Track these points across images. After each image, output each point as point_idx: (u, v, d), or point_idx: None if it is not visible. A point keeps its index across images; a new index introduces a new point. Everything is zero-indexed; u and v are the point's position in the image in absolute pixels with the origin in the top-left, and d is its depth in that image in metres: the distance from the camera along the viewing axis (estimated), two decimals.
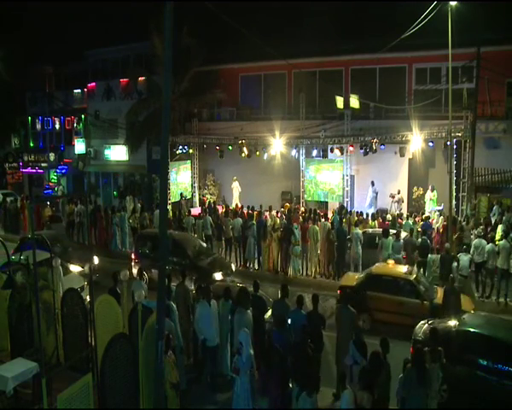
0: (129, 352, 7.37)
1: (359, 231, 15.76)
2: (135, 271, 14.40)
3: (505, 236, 13.97)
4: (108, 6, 25.69)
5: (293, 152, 21.37)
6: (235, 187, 23.67)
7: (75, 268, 14.15)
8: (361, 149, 18.92)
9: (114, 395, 7.20)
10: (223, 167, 24.33)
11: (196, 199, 25.13)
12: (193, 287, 12.40)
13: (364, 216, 17.91)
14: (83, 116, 30.07)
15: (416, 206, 20.59)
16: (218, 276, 14.03)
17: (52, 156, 31.87)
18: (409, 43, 17.56)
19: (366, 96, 21.04)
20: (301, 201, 21.94)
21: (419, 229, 16.24)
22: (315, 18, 21.72)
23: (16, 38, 29.26)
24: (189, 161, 24.83)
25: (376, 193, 20.25)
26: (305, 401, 7.03)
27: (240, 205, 21.87)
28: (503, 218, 16.01)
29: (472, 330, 8.81)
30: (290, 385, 8.02)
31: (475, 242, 13.97)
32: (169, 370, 7.54)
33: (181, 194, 23.92)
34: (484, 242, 13.78)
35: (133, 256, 15.97)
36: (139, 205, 22.10)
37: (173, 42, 6.80)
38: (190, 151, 24.04)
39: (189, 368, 9.82)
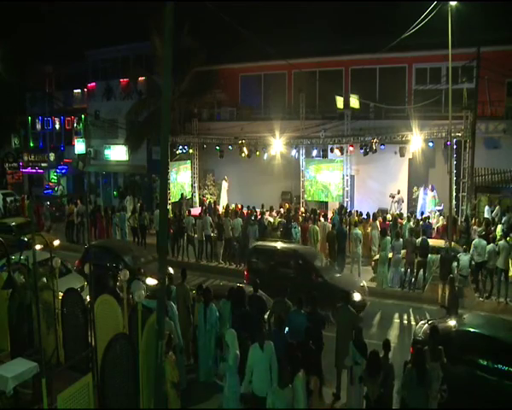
0: (129, 352, 7.36)
1: (359, 231, 15.78)
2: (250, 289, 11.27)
3: (505, 236, 13.97)
4: (108, 6, 25.69)
5: (293, 152, 21.37)
6: (224, 187, 23.72)
7: (151, 281, 12.55)
8: (361, 149, 18.91)
9: (114, 395, 7.19)
10: (223, 167, 24.33)
11: (196, 199, 25.14)
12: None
13: (365, 216, 17.92)
14: (83, 116, 30.09)
15: (415, 206, 20.59)
16: (356, 296, 12.08)
17: (52, 156, 31.90)
18: (409, 43, 17.56)
19: (366, 96, 21.03)
20: (301, 201, 21.94)
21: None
22: (315, 18, 21.73)
23: (16, 37, 29.26)
24: (189, 161, 24.83)
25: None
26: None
27: (239, 206, 21.87)
28: (504, 218, 16.01)
29: (472, 330, 8.80)
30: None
31: (475, 241, 13.97)
32: (170, 370, 7.54)
33: (181, 194, 23.97)
34: (484, 242, 13.78)
35: (245, 273, 13.91)
36: (143, 204, 22.07)
37: (173, 42, 6.80)
38: (190, 151, 24.04)
39: (189, 368, 9.83)
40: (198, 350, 9.71)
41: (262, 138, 21.15)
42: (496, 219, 16.54)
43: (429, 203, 19.33)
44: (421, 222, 16.74)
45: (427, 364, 7.32)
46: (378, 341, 8.46)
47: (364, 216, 17.91)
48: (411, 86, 21.59)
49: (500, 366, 8.15)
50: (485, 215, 17.14)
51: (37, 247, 17.08)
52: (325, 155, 20.44)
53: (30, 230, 18.63)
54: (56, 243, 18.54)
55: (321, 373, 8.24)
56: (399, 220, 17.04)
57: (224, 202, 23.30)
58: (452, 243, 14.34)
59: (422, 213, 18.55)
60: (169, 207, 21.50)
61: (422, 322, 10.06)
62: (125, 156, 27.18)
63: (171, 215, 19.47)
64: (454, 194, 17.91)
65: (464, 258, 13.38)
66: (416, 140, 17.99)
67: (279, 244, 14.37)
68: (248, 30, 13.34)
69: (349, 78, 22.88)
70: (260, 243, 15.09)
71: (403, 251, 14.63)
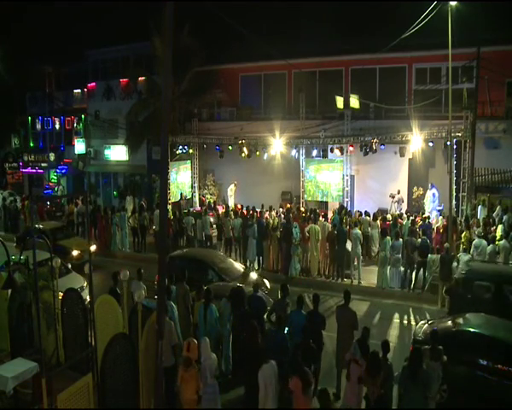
0: (129, 352, 7.37)
1: (359, 230, 15.78)
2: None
3: (505, 236, 13.95)
4: (109, 6, 25.71)
5: (293, 152, 21.36)
6: (232, 190, 23.60)
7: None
8: (361, 149, 18.89)
9: (114, 395, 7.18)
10: (223, 167, 24.33)
11: (196, 199, 25.15)
12: None
13: (364, 216, 17.89)
14: (83, 116, 30.11)
15: (416, 206, 20.60)
16: None
17: (52, 156, 31.91)
18: (409, 43, 17.57)
19: (366, 96, 21.03)
20: (301, 201, 21.94)
21: (417, 228, 16.26)
22: (315, 18, 21.74)
23: (16, 37, 29.27)
24: (189, 161, 24.83)
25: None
26: None
27: (239, 206, 21.88)
28: (504, 217, 16.01)
29: (472, 330, 8.81)
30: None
31: (475, 242, 13.95)
32: (186, 386, 7.52)
33: (181, 194, 23.97)
34: (484, 242, 13.76)
35: (449, 301, 11.61)
36: (143, 204, 22.02)
37: (173, 42, 6.80)
38: (190, 151, 24.03)
39: None
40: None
41: (262, 138, 21.15)
42: (496, 219, 16.53)
43: (429, 203, 19.32)
44: (420, 222, 16.76)
45: (425, 363, 7.32)
46: (378, 341, 8.47)
47: (364, 216, 17.87)
48: (411, 86, 21.60)
49: (500, 365, 8.15)
50: (478, 215, 17.17)
51: (75, 252, 16.60)
52: (325, 155, 20.45)
53: (64, 235, 17.95)
54: (93, 248, 17.51)
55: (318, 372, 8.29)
56: (399, 220, 17.03)
57: (231, 203, 23.08)
58: (447, 244, 14.31)
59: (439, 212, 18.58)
60: (169, 207, 21.51)
61: (422, 322, 10.06)
62: (125, 156, 27.19)
63: (170, 215, 19.48)
64: (454, 194, 17.91)
65: (464, 258, 13.37)
66: (416, 140, 17.98)
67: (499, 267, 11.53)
68: (248, 30, 13.34)
69: (349, 78, 22.88)
70: (480, 265, 11.99)
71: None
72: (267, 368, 7.34)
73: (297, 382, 6.81)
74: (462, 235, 15.07)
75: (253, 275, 13.88)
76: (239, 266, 14.22)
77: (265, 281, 13.10)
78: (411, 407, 7.04)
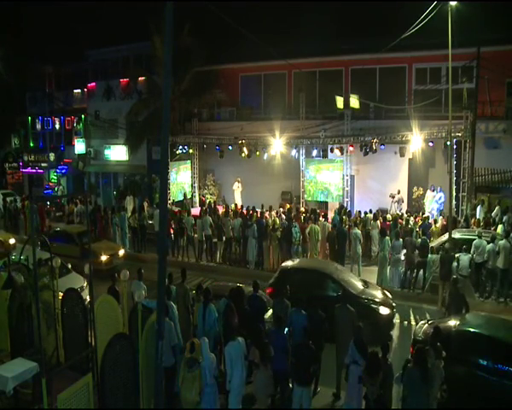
0: (129, 352, 7.36)
1: (359, 230, 15.78)
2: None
3: (506, 236, 13.96)
4: (108, 6, 25.72)
5: (293, 152, 21.37)
6: (238, 188, 23.57)
7: (384, 310, 10.87)
8: (361, 149, 18.91)
9: (114, 395, 7.18)
10: (223, 167, 24.33)
11: (196, 199, 25.16)
12: None
13: (362, 215, 17.90)
14: (83, 116, 30.10)
15: (416, 206, 20.59)
16: None
17: (52, 156, 31.91)
18: (409, 43, 17.56)
19: (366, 96, 21.02)
20: (301, 201, 21.95)
21: (417, 229, 16.27)
22: (315, 18, 21.73)
23: (16, 37, 29.26)
24: (189, 161, 24.84)
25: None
26: (301, 393, 7.58)
27: (240, 205, 21.88)
28: (504, 218, 16.01)
29: (472, 330, 8.80)
30: (290, 385, 8.06)
31: (476, 242, 13.95)
32: (188, 387, 7.45)
33: (184, 194, 24.03)
34: (484, 242, 13.77)
35: None
36: (146, 203, 22.02)
37: (173, 42, 6.79)
38: (190, 151, 24.07)
39: None
40: None
41: (262, 138, 21.15)
42: (496, 219, 16.54)
43: (429, 203, 19.31)
44: (420, 222, 16.76)
45: (430, 363, 7.30)
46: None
47: (362, 215, 17.87)
48: (411, 86, 21.60)
49: (500, 366, 8.15)
50: (477, 215, 17.17)
51: (103, 257, 15.93)
52: (325, 155, 20.46)
53: (93, 239, 17.08)
54: (121, 252, 17.32)
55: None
56: (399, 221, 17.03)
57: (238, 201, 23.03)
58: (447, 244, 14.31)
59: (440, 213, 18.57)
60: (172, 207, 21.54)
61: (422, 322, 10.05)
62: (125, 156, 27.19)
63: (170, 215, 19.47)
64: (454, 194, 17.91)
65: (464, 258, 13.38)
66: (416, 140, 17.99)
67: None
68: (248, 30, 13.32)
69: (349, 78, 22.88)
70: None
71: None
72: (233, 345, 7.65)
73: (254, 351, 7.58)
74: (430, 230, 15.24)
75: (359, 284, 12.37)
76: (362, 281, 12.98)
77: (387, 292, 12.44)
78: (418, 407, 7.01)
